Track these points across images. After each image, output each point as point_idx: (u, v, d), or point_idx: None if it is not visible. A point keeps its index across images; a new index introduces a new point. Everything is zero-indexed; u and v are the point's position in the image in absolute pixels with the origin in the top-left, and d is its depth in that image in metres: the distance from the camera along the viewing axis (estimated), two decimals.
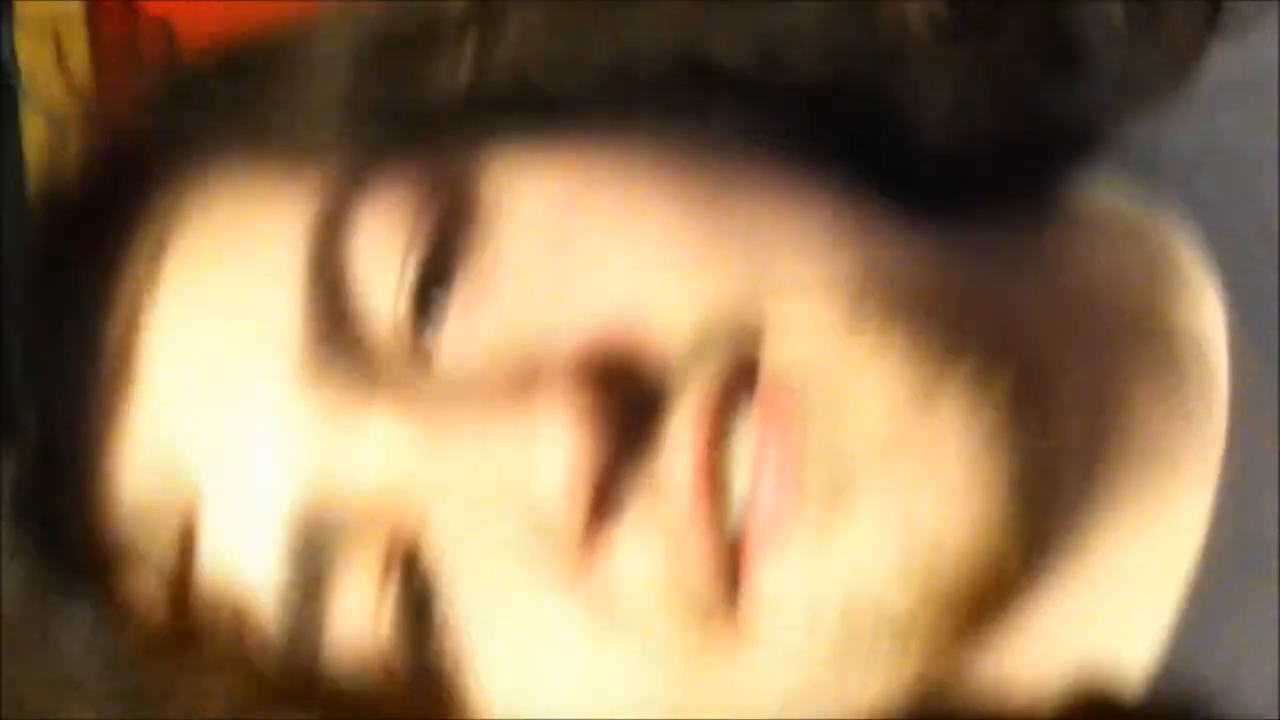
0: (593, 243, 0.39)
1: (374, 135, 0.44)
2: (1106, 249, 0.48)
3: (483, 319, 0.39)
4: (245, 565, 0.39)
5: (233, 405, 0.39)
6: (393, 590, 0.39)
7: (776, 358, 0.38)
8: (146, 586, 0.40)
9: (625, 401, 0.37)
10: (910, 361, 0.38)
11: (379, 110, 0.45)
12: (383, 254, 0.40)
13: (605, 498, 0.37)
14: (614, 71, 0.45)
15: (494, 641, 0.39)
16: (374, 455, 0.39)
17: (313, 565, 0.39)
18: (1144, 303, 0.46)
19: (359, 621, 0.39)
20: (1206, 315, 0.46)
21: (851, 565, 0.37)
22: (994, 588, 0.38)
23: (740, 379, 0.38)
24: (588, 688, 0.39)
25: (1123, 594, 0.44)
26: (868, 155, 0.45)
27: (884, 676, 0.39)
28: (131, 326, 0.41)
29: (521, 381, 0.38)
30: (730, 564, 0.38)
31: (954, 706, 0.44)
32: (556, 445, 0.36)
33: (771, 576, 0.37)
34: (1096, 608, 0.44)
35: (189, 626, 0.39)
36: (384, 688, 0.40)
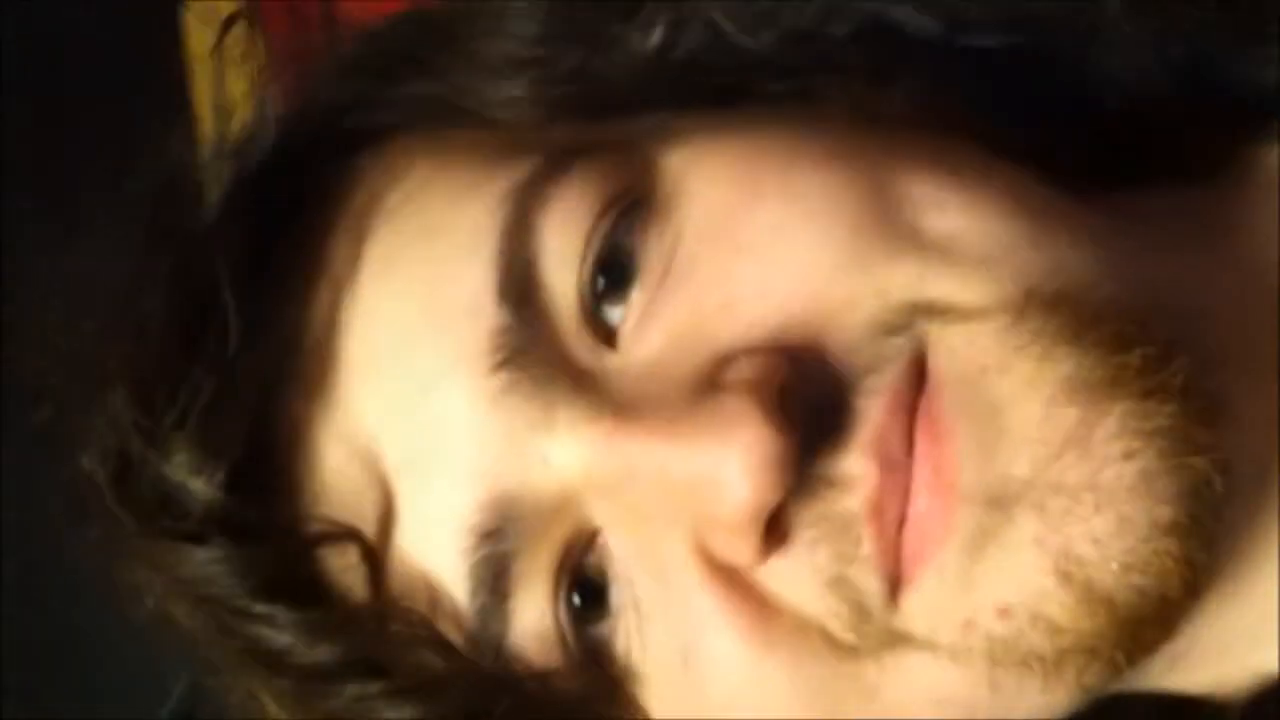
0: (765, 233, 0.39)
1: (562, 99, 0.45)
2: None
3: (664, 306, 0.40)
4: (436, 556, 0.41)
5: (426, 397, 0.40)
6: (568, 581, 0.41)
7: (943, 366, 0.38)
8: (346, 567, 0.41)
9: (804, 421, 0.37)
10: (1078, 371, 0.37)
11: (568, 73, 0.45)
12: (571, 230, 0.40)
13: (778, 528, 0.38)
14: (798, 36, 0.45)
15: (662, 640, 0.40)
16: (559, 459, 0.40)
17: (496, 559, 0.40)
18: None
19: (539, 613, 0.41)
20: None
21: (1009, 584, 0.37)
22: (1156, 613, 0.37)
23: (910, 391, 0.38)
24: (743, 692, 0.40)
25: None
26: (1050, 130, 0.44)
27: (1038, 692, 0.38)
28: (334, 313, 0.42)
29: (704, 391, 0.38)
30: (892, 585, 0.38)
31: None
32: (739, 477, 0.36)
33: (926, 592, 0.37)
34: (1261, 622, 0.42)
35: (386, 604, 0.41)
36: (559, 679, 0.41)
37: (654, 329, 0.40)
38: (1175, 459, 0.36)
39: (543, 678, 0.41)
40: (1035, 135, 0.44)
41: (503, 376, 0.40)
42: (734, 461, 0.36)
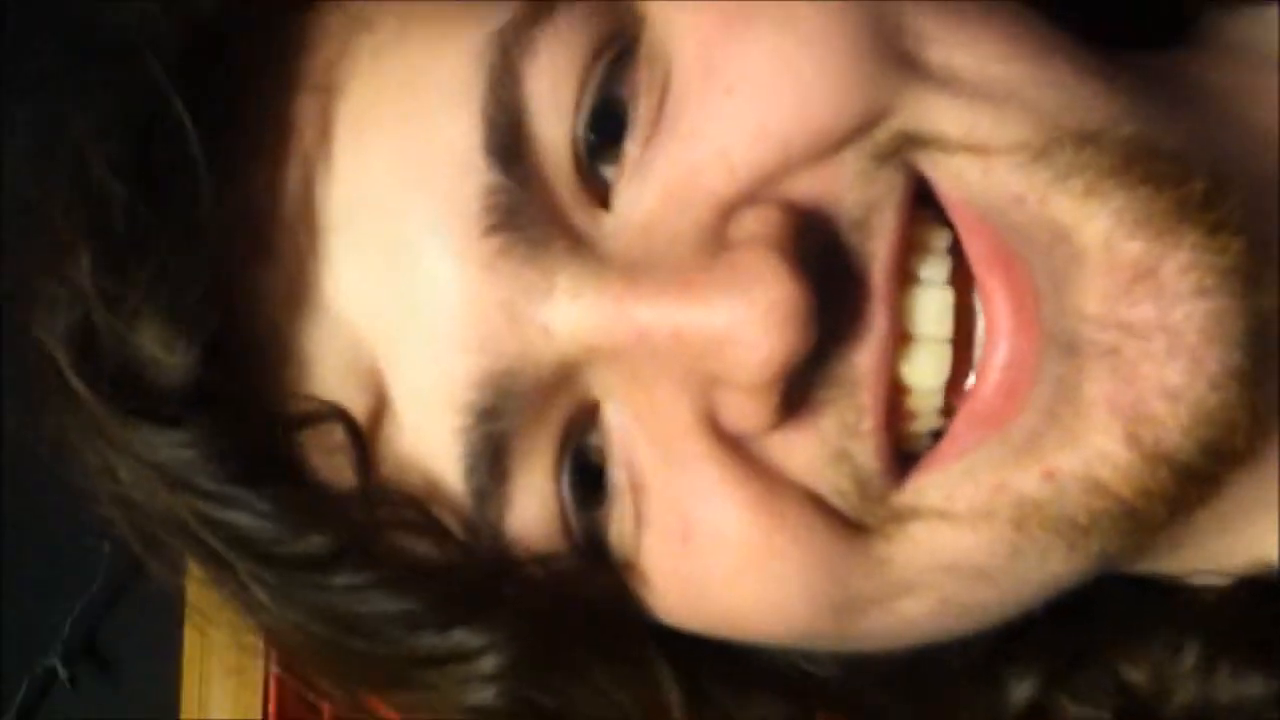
0: (758, 65, 0.37)
1: None
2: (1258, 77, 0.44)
3: (656, 159, 0.38)
4: (429, 438, 0.38)
5: (413, 265, 0.38)
6: (569, 462, 0.39)
7: (960, 195, 0.37)
8: (333, 450, 0.38)
9: (815, 268, 0.35)
10: (1128, 200, 0.35)
11: None
12: (560, 79, 0.38)
13: (790, 393, 0.36)
14: None
15: (662, 518, 0.39)
16: (562, 327, 0.37)
17: (494, 438, 0.38)
18: None
19: (539, 495, 0.39)
20: None
21: (1070, 449, 0.36)
22: (1214, 470, 0.36)
23: (913, 223, 0.37)
24: (747, 569, 0.38)
25: None
26: None
27: (1058, 561, 0.37)
28: (307, 175, 0.39)
29: (712, 248, 0.36)
30: (888, 464, 0.37)
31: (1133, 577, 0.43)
32: (762, 334, 0.35)
33: (970, 458, 0.37)
34: (1261, 498, 0.41)
35: (377, 488, 0.38)
36: (560, 560, 0.39)
37: (648, 184, 0.38)
38: (1247, 298, 0.35)
39: (542, 565, 0.39)
40: None
41: (497, 239, 0.37)
42: (757, 318, 0.35)
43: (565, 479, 0.39)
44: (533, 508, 0.39)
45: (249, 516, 0.38)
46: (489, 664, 0.39)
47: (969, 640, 0.43)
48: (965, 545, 0.37)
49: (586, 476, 0.39)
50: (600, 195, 0.38)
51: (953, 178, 0.37)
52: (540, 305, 0.37)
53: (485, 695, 0.39)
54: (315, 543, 0.38)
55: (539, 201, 0.38)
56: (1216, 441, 0.35)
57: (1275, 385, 0.37)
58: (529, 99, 0.38)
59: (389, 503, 0.38)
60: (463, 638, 0.39)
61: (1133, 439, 0.35)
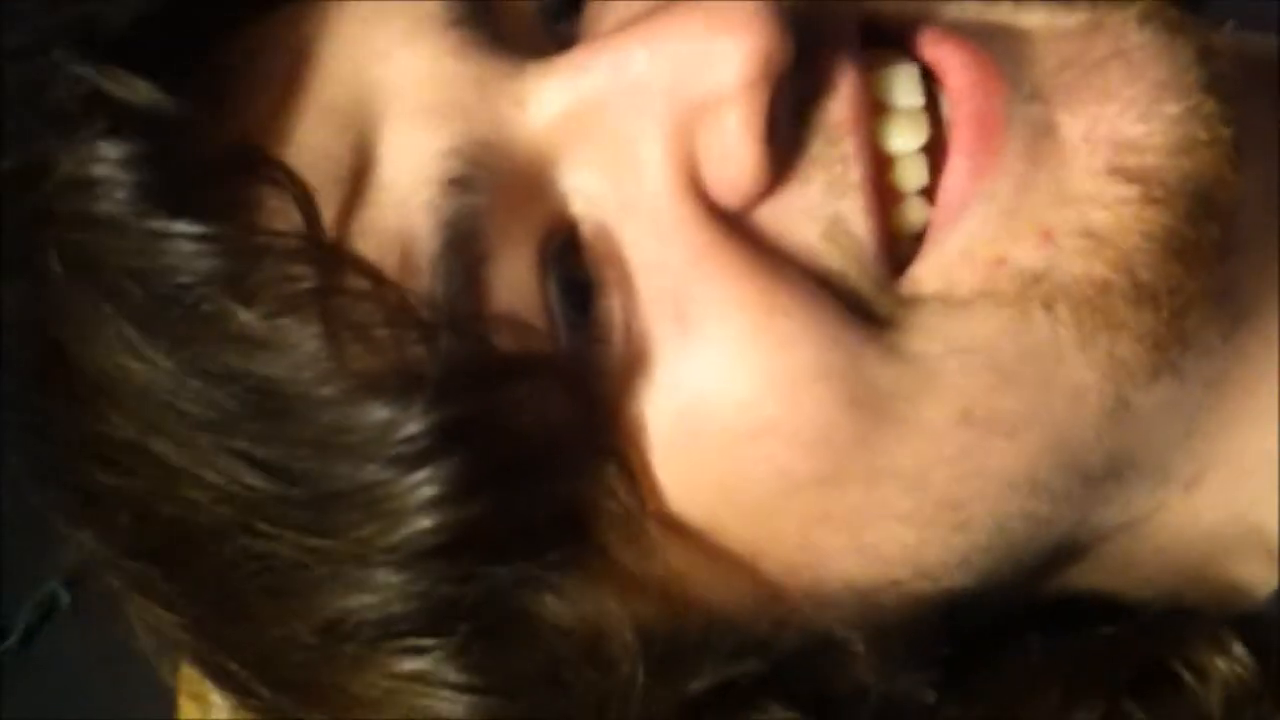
0: None
1: None
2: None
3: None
4: (405, 213, 0.37)
5: (398, 51, 0.38)
6: (555, 272, 0.38)
7: (915, 8, 0.38)
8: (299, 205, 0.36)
9: (792, 30, 0.35)
10: (1093, 9, 0.37)
11: None
12: None
13: (776, 154, 0.36)
14: None
15: (656, 313, 0.37)
16: (534, 96, 0.37)
17: (467, 212, 0.37)
18: None
19: (522, 291, 0.37)
20: None
21: (1058, 198, 0.36)
22: (1208, 204, 0.36)
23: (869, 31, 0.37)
24: (753, 341, 0.36)
25: None
26: None
27: (1071, 346, 0.37)
28: None
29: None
30: (885, 225, 0.37)
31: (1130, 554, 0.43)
32: (744, 23, 0.34)
33: (963, 227, 0.37)
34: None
35: (342, 264, 0.36)
36: (540, 371, 0.37)
37: (617, 5, 0.38)
38: (1190, 33, 0.37)
39: (516, 367, 0.37)
40: None
41: (462, 31, 0.38)
42: (739, 17, 0.34)
43: (552, 286, 0.38)
44: (510, 297, 0.37)
45: (176, 245, 0.34)
46: (426, 480, 0.34)
47: (991, 624, 0.41)
48: (973, 329, 0.37)
49: (575, 293, 0.38)
50: (562, 35, 0.40)
51: (913, 9, 0.38)
52: (511, 81, 0.38)
53: (425, 527, 0.35)
54: (246, 311, 0.34)
55: (503, 16, 0.39)
56: (1201, 168, 0.36)
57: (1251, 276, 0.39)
58: None
59: (347, 268, 0.36)
60: (394, 416, 0.34)
61: (1121, 170, 0.36)
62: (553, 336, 0.37)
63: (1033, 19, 0.37)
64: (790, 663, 0.39)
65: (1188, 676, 0.41)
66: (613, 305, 0.38)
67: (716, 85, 0.35)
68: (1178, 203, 0.36)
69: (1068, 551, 0.43)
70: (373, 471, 0.34)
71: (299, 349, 0.34)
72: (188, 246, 0.34)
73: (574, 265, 0.38)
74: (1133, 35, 0.36)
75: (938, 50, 0.37)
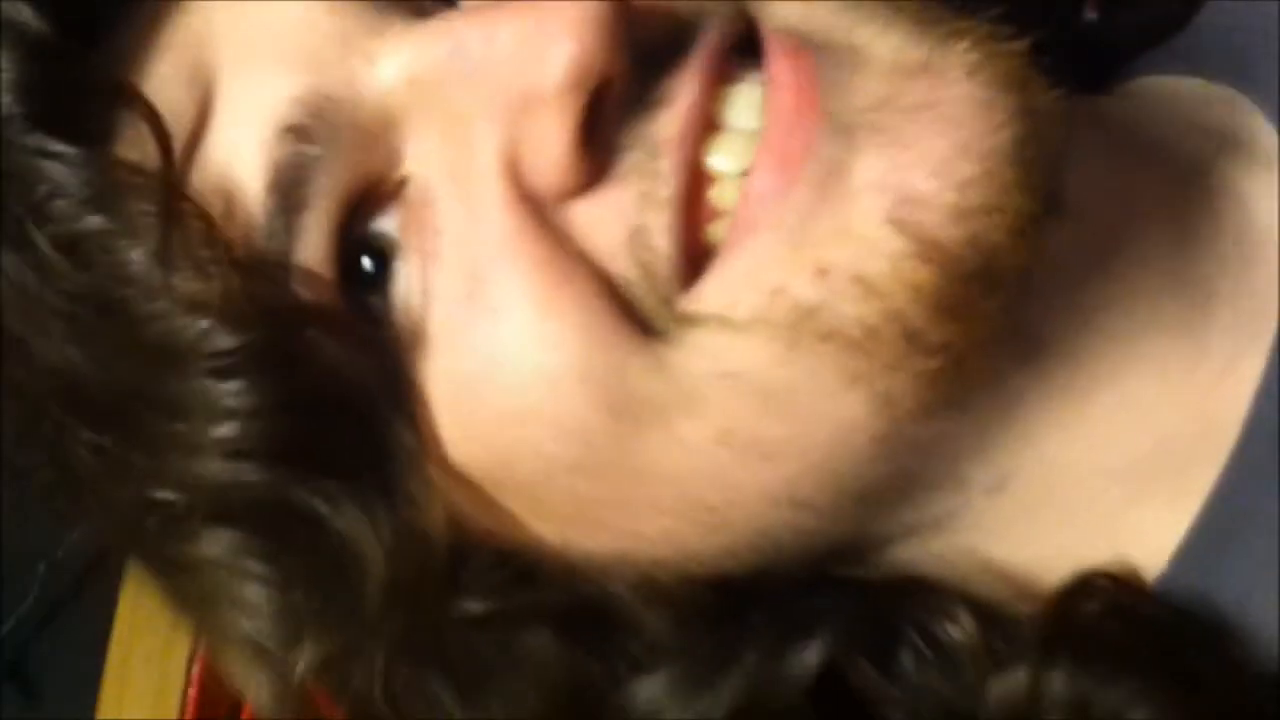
0: None
1: None
2: (1161, 115, 0.47)
3: None
4: (239, 152, 0.39)
5: (264, 4, 0.39)
6: (360, 230, 0.39)
7: (778, 24, 0.38)
8: (148, 137, 0.38)
9: (636, 38, 0.37)
10: (920, 26, 0.37)
11: None
12: None
13: (593, 153, 0.37)
14: None
15: (452, 280, 0.39)
16: (385, 58, 0.38)
17: (297, 160, 0.39)
18: (1190, 157, 0.45)
19: (319, 242, 0.39)
20: (1264, 192, 0.44)
21: (838, 237, 0.36)
22: (983, 274, 0.36)
23: (743, 37, 0.38)
24: (524, 340, 0.38)
25: (1135, 457, 0.42)
26: None
27: (837, 383, 0.37)
28: None
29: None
30: (691, 239, 0.37)
31: (958, 589, 0.43)
32: (565, 31, 0.36)
33: (750, 250, 0.37)
34: (1103, 470, 0.42)
35: (172, 183, 0.38)
36: (327, 312, 0.39)
37: None
38: (1016, 94, 0.36)
39: (311, 310, 0.39)
40: None
41: None
42: (563, 17, 0.36)
43: (341, 241, 0.39)
44: (315, 251, 0.39)
45: (46, 164, 0.37)
46: (235, 392, 0.38)
47: (764, 581, 0.43)
48: (743, 354, 0.37)
49: (380, 255, 0.40)
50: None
51: (776, 17, 0.39)
52: (372, 38, 0.39)
53: (229, 435, 0.38)
54: (103, 209, 0.37)
55: None
56: (985, 233, 0.35)
57: (1071, 295, 0.39)
58: None
59: (179, 195, 0.38)
60: (209, 327, 0.37)
61: (899, 223, 0.35)
62: (343, 288, 0.39)
63: (884, 46, 0.37)
64: (568, 604, 0.42)
65: (918, 641, 0.43)
66: (410, 269, 0.39)
67: (538, 84, 0.36)
68: (953, 266, 0.36)
69: (856, 547, 0.43)
70: (186, 380, 0.38)
71: (135, 265, 0.37)
72: (58, 165, 0.37)
73: (379, 222, 0.40)
74: (953, 86, 0.36)
75: (774, 64, 0.38)
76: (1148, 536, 0.42)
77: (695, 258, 0.38)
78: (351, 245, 0.40)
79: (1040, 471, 0.42)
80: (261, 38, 0.39)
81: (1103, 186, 0.42)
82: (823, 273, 0.36)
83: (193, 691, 0.99)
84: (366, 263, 0.40)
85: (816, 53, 0.37)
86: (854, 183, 0.36)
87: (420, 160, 0.39)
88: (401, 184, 0.39)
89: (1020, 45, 0.37)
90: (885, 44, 0.37)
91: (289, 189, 0.39)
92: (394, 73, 0.39)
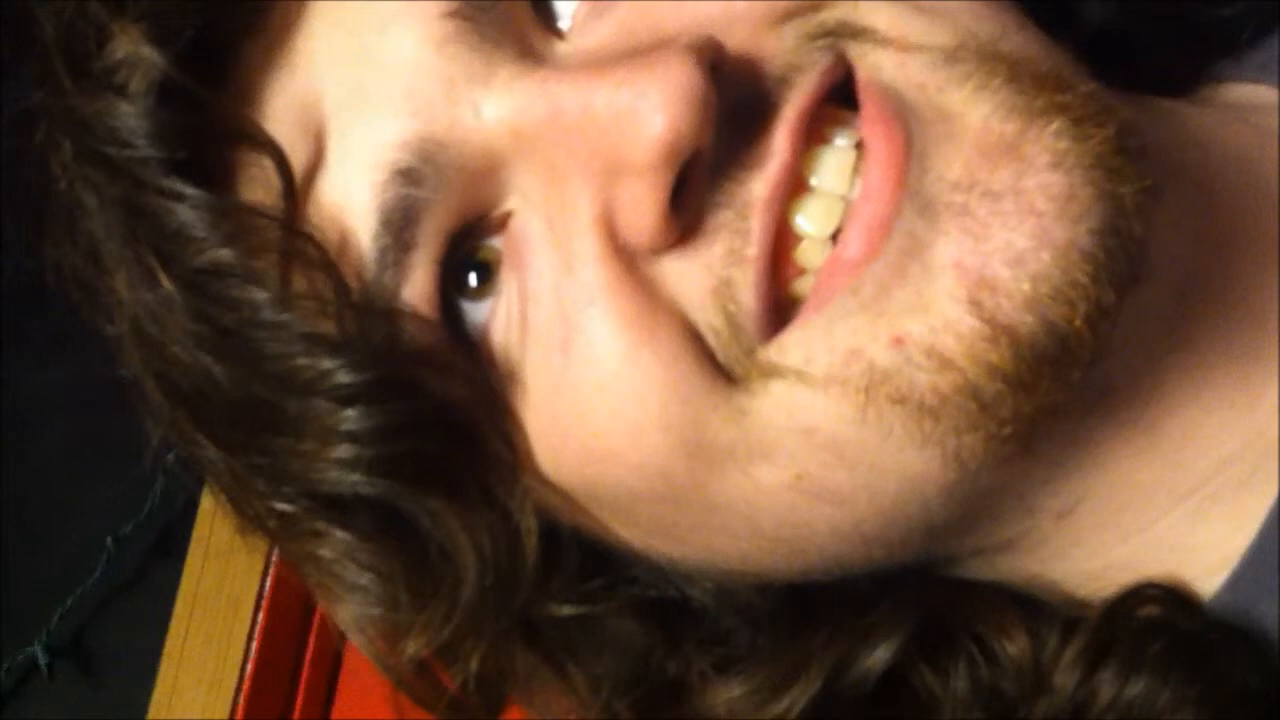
0: None
1: None
2: (1236, 129, 0.48)
3: (617, 4, 0.41)
4: (351, 191, 0.41)
5: (377, 40, 0.41)
6: (465, 250, 0.42)
7: (873, 76, 0.39)
8: (263, 186, 0.41)
9: (729, 92, 0.38)
10: (1013, 91, 0.37)
11: None
12: None
13: (684, 213, 0.39)
14: None
15: (547, 325, 0.41)
16: (490, 109, 0.40)
17: (407, 202, 0.41)
18: (1264, 178, 0.46)
19: (426, 275, 0.41)
20: None
21: (916, 310, 0.37)
22: (1055, 356, 0.37)
23: (831, 87, 0.40)
24: (614, 384, 0.40)
25: (1199, 479, 0.43)
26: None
27: (910, 444, 0.38)
28: None
29: (640, 51, 0.39)
30: (774, 303, 0.39)
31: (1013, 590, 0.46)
32: (657, 107, 0.37)
33: (829, 313, 0.38)
34: (1170, 500, 0.43)
35: (294, 221, 0.41)
36: (434, 351, 0.42)
37: (603, 22, 0.41)
38: (1102, 183, 0.36)
39: (423, 350, 0.41)
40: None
41: (452, 24, 0.40)
42: (656, 94, 0.37)
43: (443, 269, 0.41)
44: (427, 285, 0.41)
45: (174, 204, 0.40)
46: (355, 416, 0.40)
47: (836, 589, 0.44)
48: (818, 410, 0.39)
49: (484, 275, 0.42)
50: (558, 32, 0.42)
51: (871, 67, 0.40)
52: (478, 88, 0.40)
53: (347, 456, 0.41)
54: (225, 247, 0.40)
55: (497, 11, 0.41)
56: (1059, 321, 0.36)
57: (1150, 344, 0.39)
58: None
59: (303, 235, 0.41)
60: (335, 367, 0.40)
61: (975, 304, 0.36)
62: (446, 323, 0.42)
63: (974, 115, 0.38)
64: (652, 599, 0.46)
65: (975, 651, 0.45)
66: (509, 305, 0.42)
67: (630, 157, 0.38)
68: (1027, 350, 0.36)
69: (923, 565, 0.46)
70: (307, 406, 0.41)
71: (258, 304, 0.40)
72: (187, 208, 0.40)
73: (489, 251, 0.42)
74: (1038, 175, 0.36)
75: (870, 134, 0.39)
76: (1205, 554, 0.43)
77: (778, 310, 0.40)
78: (458, 265, 0.42)
79: (1108, 495, 0.43)
80: (372, 79, 0.41)
81: (1182, 232, 0.42)
82: (899, 341, 0.37)
83: (249, 673, 1.00)
84: (473, 279, 0.42)
85: (909, 118, 0.38)
86: (933, 261, 0.37)
87: (522, 199, 0.41)
88: (506, 217, 0.41)
89: (1111, 124, 0.37)
90: (977, 112, 0.38)
91: (400, 229, 0.41)
92: (497, 124, 0.40)
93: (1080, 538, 0.44)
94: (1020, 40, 0.40)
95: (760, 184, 0.39)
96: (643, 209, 0.38)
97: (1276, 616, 0.42)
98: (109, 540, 1.07)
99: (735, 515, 0.42)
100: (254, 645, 1.01)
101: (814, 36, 0.40)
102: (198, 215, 0.39)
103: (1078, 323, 0.36)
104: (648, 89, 0.37)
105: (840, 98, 0.41)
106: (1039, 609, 0.46)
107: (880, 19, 0.40)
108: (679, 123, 0.37)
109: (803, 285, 0.40)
